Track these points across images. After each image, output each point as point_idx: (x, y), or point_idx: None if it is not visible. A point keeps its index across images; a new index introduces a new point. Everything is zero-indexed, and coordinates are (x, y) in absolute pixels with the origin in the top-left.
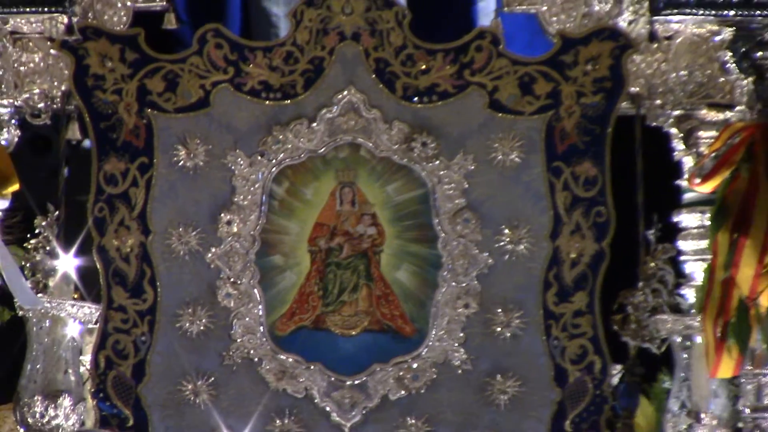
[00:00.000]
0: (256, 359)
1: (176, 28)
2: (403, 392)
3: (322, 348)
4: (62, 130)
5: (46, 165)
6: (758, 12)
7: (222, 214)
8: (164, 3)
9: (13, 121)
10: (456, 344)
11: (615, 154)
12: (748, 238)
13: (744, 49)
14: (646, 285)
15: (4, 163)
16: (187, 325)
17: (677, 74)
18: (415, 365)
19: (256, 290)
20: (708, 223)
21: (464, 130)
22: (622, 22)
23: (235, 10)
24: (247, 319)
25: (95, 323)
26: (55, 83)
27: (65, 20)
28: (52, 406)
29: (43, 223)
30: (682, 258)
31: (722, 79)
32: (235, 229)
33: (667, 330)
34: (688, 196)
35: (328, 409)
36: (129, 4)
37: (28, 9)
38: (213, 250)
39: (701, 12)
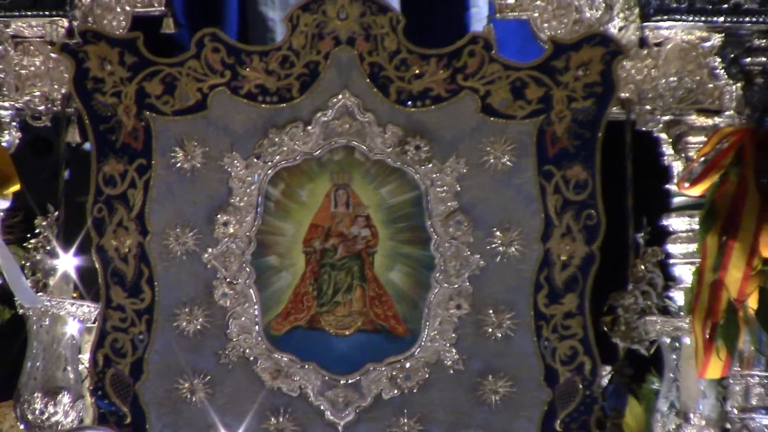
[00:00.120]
0: (251, 358)
1: (174, 32)
2: (396, 391)
3: (316, 347)
4: (62, 132)
5: (47, 166)
6: (747, 19)
7: (219, 215)
8: (163, 8)
9: (14, 123)
10: (448, 344)
11: (605, 158)
12: (737, 241)
13: (733, 55)
14: (635, 287)
15: (5, 164)
16: (184, 324)
17: (667, 80)
18: (407, 365)
19: (251, 290)
20: (697, 226)
21: (457, 133)
22: (613, 28)
23: (232, 15)
24: (243, 318)
25: (94, 322)
26: (56, 86)
27: (66, 24)
28: (52, 403)
29: (44, 224)
30: (671, 261)
31: (711, 84)
32: (231, 230)
33: (657, 331)
34: (677, 200)
35: (322, 407)
36: (128, 8)
37: (29, 13)
38: (210, 250)
39: (691, 18)
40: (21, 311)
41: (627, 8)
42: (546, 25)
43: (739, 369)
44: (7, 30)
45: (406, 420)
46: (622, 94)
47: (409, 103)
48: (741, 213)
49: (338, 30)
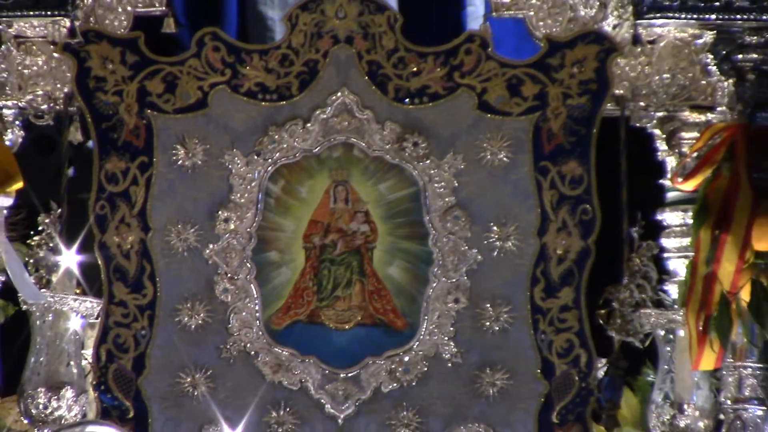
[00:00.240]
0: (252, 352)
1: (175, 31)
2: (395, 384)
3: (316, 342)
4: (65, 131)
5: (50, 164)
6: (738, 16)
7: (219, 212)
8: (163, 8)
9: (17, 121)
10: (446, 338)
11: (600, 154)
12: (729, 235)
13: (725, 52)
14: (630, 281)
15: (9, 162)
16: (186, 319)
17: (660, 77)
18: (406, 358)
19: (252, 286)
20: (690, 220)
21: (454, 130)
22: (607, 26)
23: (232, 14)
24: (243, 313)
25: (97, 317)
26: (58, 85)
27: (68, 24)
28: (55, 397)
29: (47, 221)
30: (665, 255)
31: (704, 81)
32: (232, 226)
33: (651, 324)
34: (671, 195)
35: (322, 401)
36: (129, 8)
37: (31, 13)
38: (211, 246)
39: (683, 16)
40: (24, 307)
41: (621, 6)
42: (541, 23)
43: (732, 360)
44: (10, 30)
45: (405, 413)
46: (617, 91)
47: (407, 100)
48: (733, 207)
49: (337, 29)
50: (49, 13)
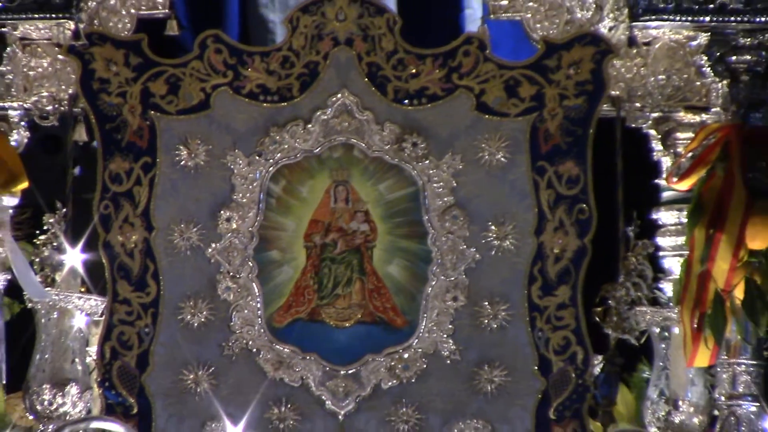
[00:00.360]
0: (254, 350)
1: (178, 34)
2: (394, 381)
3: (317, 339)
4: (70, 131)
5: (55, 165)
6: (732, 18)
7: (222, 212)
8: (166, 10)
9: (22, 122)
10: (445, 335)
11: (596, 154)
12: (724, 234)
13: (719, 54)
14: (626, 279)
15: (14, 162)
16: (189, 317)
17: (655, 78)
18: (406, 355)
19: (254, 284)
20: (685, 219)
21: (453, 131)
22: (603, 28)
23: (234, 17)
24: (245, 311)
25: (101, 315)
26: (63, 87)
27: (72, 27)
28: (60, 394)
29: (52, 220)
30: (661, 253)
31: (698, 82)
32: (234, 226)
33: (647, 322)
34: (666, 195)
35: (323, 397)
36: (133, 11)
37: (36, 16)
38: (213, 245)
39: (678, 18)
40: (30, 305)
41: (616, 9)
42: (538, 25)
43: (726, 357)
44: (15, 32)
45: (404, 409)
46: (613, 92)
47: (406, 101)
48: (727, 206)
49: (337, 31)
50: (53, 15)
